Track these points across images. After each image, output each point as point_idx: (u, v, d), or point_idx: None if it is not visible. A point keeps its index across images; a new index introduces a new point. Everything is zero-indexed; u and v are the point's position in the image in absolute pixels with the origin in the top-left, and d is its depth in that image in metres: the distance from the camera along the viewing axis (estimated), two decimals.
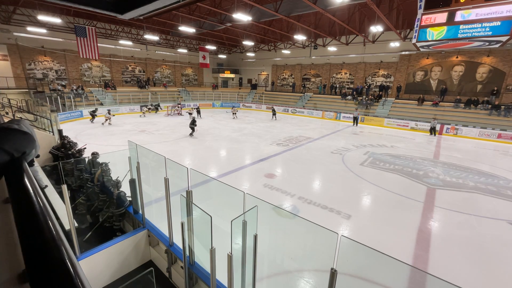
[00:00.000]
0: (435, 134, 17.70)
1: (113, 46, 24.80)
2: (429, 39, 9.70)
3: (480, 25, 8.64)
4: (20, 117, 10.81)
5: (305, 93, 28.31)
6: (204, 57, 26.82)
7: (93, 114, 18.25)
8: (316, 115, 24.47)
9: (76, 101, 20.71)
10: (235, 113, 22.69)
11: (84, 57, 19.26)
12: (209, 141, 13.70)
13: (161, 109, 24.67)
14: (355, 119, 20.56)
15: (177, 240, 4.08)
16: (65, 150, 7.33)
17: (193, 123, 14.59)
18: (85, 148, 8.01)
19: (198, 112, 21.74)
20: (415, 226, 6.06)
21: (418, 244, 5.38)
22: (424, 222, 6.22)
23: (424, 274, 3.67)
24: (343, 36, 23.15)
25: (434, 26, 9.38)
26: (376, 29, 15.81)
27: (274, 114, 22.56)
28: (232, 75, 36.32)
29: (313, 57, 27.28)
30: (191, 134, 14.55)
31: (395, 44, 20.86)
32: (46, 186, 5.21)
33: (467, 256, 5.11)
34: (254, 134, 15.68)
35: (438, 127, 17.89)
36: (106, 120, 17.57)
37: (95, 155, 6.61)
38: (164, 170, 3.99)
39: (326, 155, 11.58)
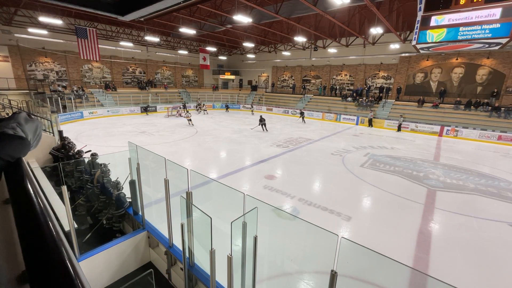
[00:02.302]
0: (399, 130, 19.32)
1: (113, 48, 24.86)
2: (429, 41, 9.72)
3: (479, 27, 8.66)
4: (18, 110, 10.82)
5: (305, 95, 28.34)
6: (204, 59, 26.88)
7: (146, 109, 23.94)
8: (316, 116, 24.50)
9: (76, 102, 20.74)
10: (252, 110, 26.97)
11: (85, 58, 19.29)
12: (209, 142, 13.70)
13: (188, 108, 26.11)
14: (370, 121, 20.83)
15: (177, 242, 4.07)
16: (65, 151, 7.32)
17: (261, 120, 16.91)
18: (89, 150, 7.71)
19: (227, 107, 29.00)
20: (416, 228, 6.05)
21: (419, 246, 5.37)
22: (425, 224, 6.21)
23: (424, 276, 3.65)
24: (343, 38, 23.21)
25: (434, 28, 9.40)
26: (376, 31, 15.87)
27: (303, 117, 22.42)
28: (233, 77, 36.38)
29: (313, 59, 27.33)
30: (264, 129, 16.99)
31: (395, 46, 20.91)
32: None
33: (468, 258, 5.09)
34: (254, 136, 15.69)
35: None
36: (189, 120, 18.88)
37: (94, 156, 6.61)
38: (164, 171, 3.99)
39: (326, 157, 11.58)
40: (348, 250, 2.40)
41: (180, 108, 24.07)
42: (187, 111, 20.85)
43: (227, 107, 29.30)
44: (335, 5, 12.75)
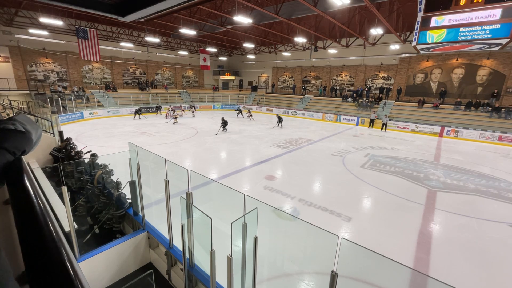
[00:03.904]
0: (385, 130, 19.39)
1: (114, 48, 24.89)
2: (429, 42, 9.73)
3: (480, 28, 8.66)
4: (17, 112, 10.85)
5: (306, 95, 28.35)
6: (204, 59, 26.91)
7: (138, 111, 21.80)
8: (317, 117, 24.50)
9: (77, 103, 20.76)
10: (251, 116, 22.85)
11: (85, 59, 19.33)
12: (209, 143, 13.70)
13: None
14: (371, 121, 20.83)
15: (177, 242, 4.06)
16: (66, 152, 7.33)
17: (224, 123, 16.72)
18: (89, 151, 7.53)
19: (240, 111, 25.04)
20: (416, 228, 6.04)
21: (419, 247, 5.36)
22: (425, 225, 6.20)
23: (425, 277, 3.65)
24: (343, 39, 23.23)
25: (434, 28, 9.41)
26: (376, 31, 15.89)
27: (280, 121, 19.43)
28: (233, 77, 36.41)
29: (313, 60, 27.35)
30: (225, 130, 16.78)
31: (395, 47, 20.92)
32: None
33: (468, 259, 5.08)
34: (254, 136, 15.69)
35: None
36: (175, 118, 19.73)
37: (94, 156, 6.61)
38: (164, 172, 3.99)
39: (326, 157, 11.57)
40: (348, 251, 2.40)
41: (171, 110, 22.56)
42: (173, 111, 20.89)
43: (239, 112, 24.40)
44: (335, 6, 12.76)
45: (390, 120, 19.81)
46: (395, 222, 6.33)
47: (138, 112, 21.75)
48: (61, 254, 0.46)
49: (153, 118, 22.36)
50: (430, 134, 18.38)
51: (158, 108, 24.79)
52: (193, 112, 24.98)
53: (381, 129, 19.54)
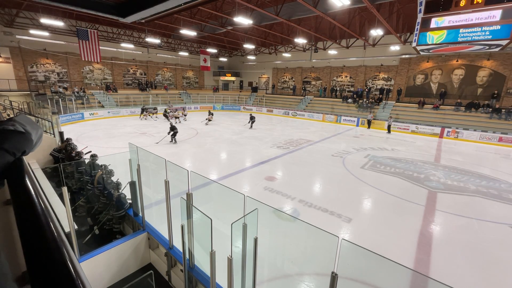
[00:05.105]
0: (389, 132, 19.31)
1: (114, 49, 24.93)
2: (429, 43, 9.74)
3: (480, 29, 8.68)
4: (17, 113, 10.89)
5: (306, 96, 28.37)
6: (205, 60, 26.95)
7: (167, 114, 21.28)
8: (317, 118, 24.49)
9: (77, 104, 20.79)
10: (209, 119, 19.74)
11: (86, 60, 19.36)
12: (209, 143, 13.70)
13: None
14: (369, 122, 20.81)
15: (177, 243, 4.06)
16: (66, 153, 7.33)
17: (173, 129, 13.50)
18: (89, 151, 7.50)
19: (211, 114, 20.77)
20: (417, 229, 6.03)
21: (420, 248, 5.35)
22: (426, 226, 6.19)
23: (425, 278, 3.64)
24: (343, 40, 23.26)
25: (434, 29, 9.43)
26: (376, 32, 15.92)
27: (252, 122, 18.72)
28: (233, 78, 36.46)
29: (313, 60, 27.38)
30: (173, 140, 13.51)
31: (395, 48, 20.94)
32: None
33: (469, 260, 5.07)
34: (255, 137, 15.69)
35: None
36: (176, 118, 19.95)
37: (94, 157, 6.61)
38: (164, 173, 3.99)
39: (326, 158, 11.57)
40: (348, 251, 2.39)
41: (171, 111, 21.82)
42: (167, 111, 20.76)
43: (211, 115, 20.50)
44: (335, 7, 12.78)
45: (395, 121, 19.74)
46: (396, 223, 6.33)
47: (167, 115, 20.79)
48: (63, 254, 0.46)
49: (153, 119, 22.36)
50: (430, 135, 18.38)
51: (143, 110, 22.14)
52: (181, 115, 21.85)
53: (388, 131, 19.32)
